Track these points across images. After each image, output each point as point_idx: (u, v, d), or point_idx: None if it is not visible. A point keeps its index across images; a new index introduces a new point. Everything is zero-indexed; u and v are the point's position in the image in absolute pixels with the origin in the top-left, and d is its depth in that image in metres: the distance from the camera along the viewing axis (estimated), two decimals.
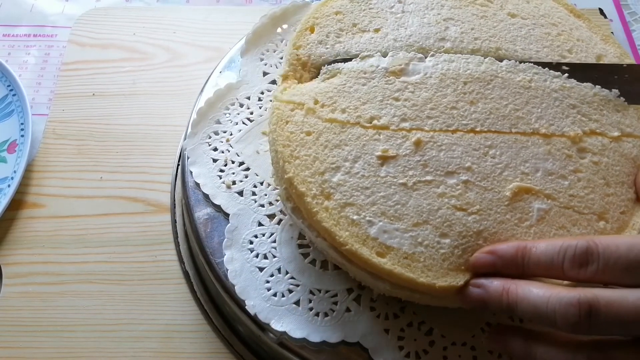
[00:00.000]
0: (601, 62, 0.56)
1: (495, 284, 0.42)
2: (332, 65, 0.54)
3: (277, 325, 0.51)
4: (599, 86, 0.53)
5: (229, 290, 0.54)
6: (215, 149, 0.60)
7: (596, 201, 0.48)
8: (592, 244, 0.39)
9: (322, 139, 0.50)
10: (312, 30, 0.57)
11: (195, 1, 0.91)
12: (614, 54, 0.57)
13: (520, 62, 0.54)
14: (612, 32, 0.86)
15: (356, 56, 0.54)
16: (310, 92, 0.52)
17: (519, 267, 0.43)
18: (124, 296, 0.64)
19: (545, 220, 0.47)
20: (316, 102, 0.51)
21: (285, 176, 0.48)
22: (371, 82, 0.52)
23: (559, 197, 0.47)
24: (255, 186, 0.58)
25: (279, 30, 0.67)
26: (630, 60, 0.57)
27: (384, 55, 0.54)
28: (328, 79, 0.53)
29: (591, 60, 0.56)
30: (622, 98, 0.53)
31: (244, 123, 0.61)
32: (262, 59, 0.65)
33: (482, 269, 0.44)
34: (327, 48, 0.56)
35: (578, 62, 0.55)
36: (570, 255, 0.40)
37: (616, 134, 0.51)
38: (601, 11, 0.88)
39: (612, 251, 0.39)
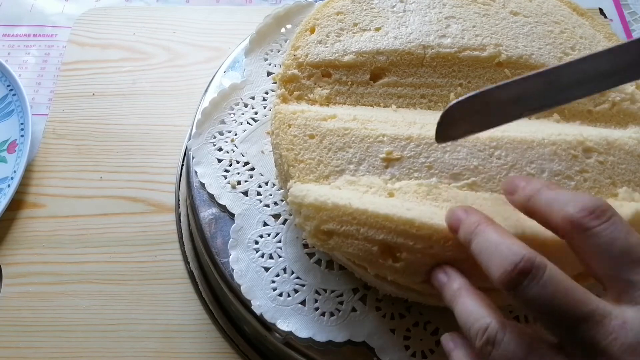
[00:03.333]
0: None
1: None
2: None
3: (283, 325, 0.51)
4: None
5: (234, 290, 0.54)
6: (220, 149, 0.60)
7: None
8: (542, 264, 0.34)
9: (325, 142, 0.50)
10: (312, 31, 0.57)
11: (195, 1, 0.91)
12: None
13: None
14: None
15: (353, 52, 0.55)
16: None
17: (466, 243, 0.39)
18: (124, 296, 0.64)
19: None
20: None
21: (290, 181, 0.48)
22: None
23: None
24: (260, 186, 0.58)
25: (283, 30, 0.67)
26: None
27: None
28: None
29: None
30: None
31: (248, 123, 0.61)
32: (266, 59, 0.65)
33: (450, 220, 0.42)
34: (326, 47, 0.56)
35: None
36: (516, 265, 0.35)
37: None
38: (601, 11, 0.88)
39: (555, 282, 0.34)
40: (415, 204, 0.45)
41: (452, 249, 0.42)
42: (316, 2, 0.67)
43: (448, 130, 0.44)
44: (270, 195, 0.57)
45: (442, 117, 0.43)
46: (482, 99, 0.42)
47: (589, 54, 0.41)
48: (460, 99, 0.42)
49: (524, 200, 0.40)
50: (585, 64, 0.41)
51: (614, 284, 0.34)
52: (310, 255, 0.54)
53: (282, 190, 0.53)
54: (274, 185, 0.57)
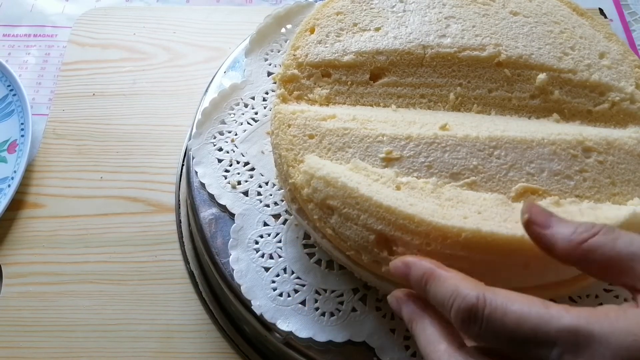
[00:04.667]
0: (604, 59, 0.56)
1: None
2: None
3: (283, 325, 0.51)
4: None
5: (234, 290, 0.54)
6: (220, 149, 0.60)
7: (602, 201, 0.47)
8: (481, 302, 0.34)
9: (325, 142, 0.49)
10: (312, 31, 0.57)
11: (195, 1, 0.91)
12: (617, 51, 0.57)
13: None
14: None
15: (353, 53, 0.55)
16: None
17: (421, 291, 0.39)
18: (124, 296, 0.64)
19: None
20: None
21: (290, 181, 0.48)
22: None
23: (565, 198, 0.47)
24: (260, 186, 0.58)
25: (283, 30, 0.67)
26: (633, 57, 0.57)
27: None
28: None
29: (594, 57, 0.56)
30: None
31: (248, 123, 0.61)
32: (266, 59, 0.65)
33: (396, 276, 0.42)
34: (326, 47, 0.56)
35: (581, 59, 0.56)
36: (456, 307, 0.35)
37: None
38: (601, 11, 0.88)
39: (496, 319, 0.33)
40: (419, 199, 0.45)
41: (450, 248, 0.42)
42: (316, 2, 0.67)
43: None
44: (271, 195, 0.57)
45: None
46: None
47: None
48: None
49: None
50: None
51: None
52: (310, 255, 0.54)
53: (282, 190, 0.53)
54: (274, 185, 0.58)
